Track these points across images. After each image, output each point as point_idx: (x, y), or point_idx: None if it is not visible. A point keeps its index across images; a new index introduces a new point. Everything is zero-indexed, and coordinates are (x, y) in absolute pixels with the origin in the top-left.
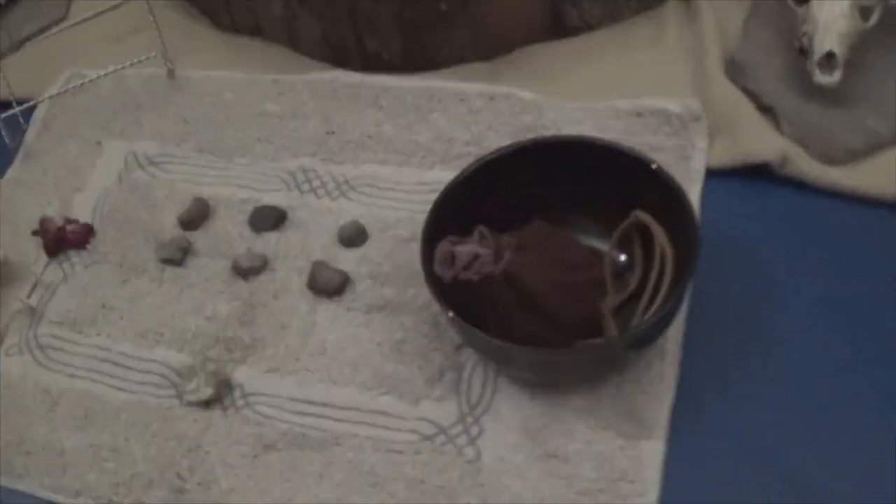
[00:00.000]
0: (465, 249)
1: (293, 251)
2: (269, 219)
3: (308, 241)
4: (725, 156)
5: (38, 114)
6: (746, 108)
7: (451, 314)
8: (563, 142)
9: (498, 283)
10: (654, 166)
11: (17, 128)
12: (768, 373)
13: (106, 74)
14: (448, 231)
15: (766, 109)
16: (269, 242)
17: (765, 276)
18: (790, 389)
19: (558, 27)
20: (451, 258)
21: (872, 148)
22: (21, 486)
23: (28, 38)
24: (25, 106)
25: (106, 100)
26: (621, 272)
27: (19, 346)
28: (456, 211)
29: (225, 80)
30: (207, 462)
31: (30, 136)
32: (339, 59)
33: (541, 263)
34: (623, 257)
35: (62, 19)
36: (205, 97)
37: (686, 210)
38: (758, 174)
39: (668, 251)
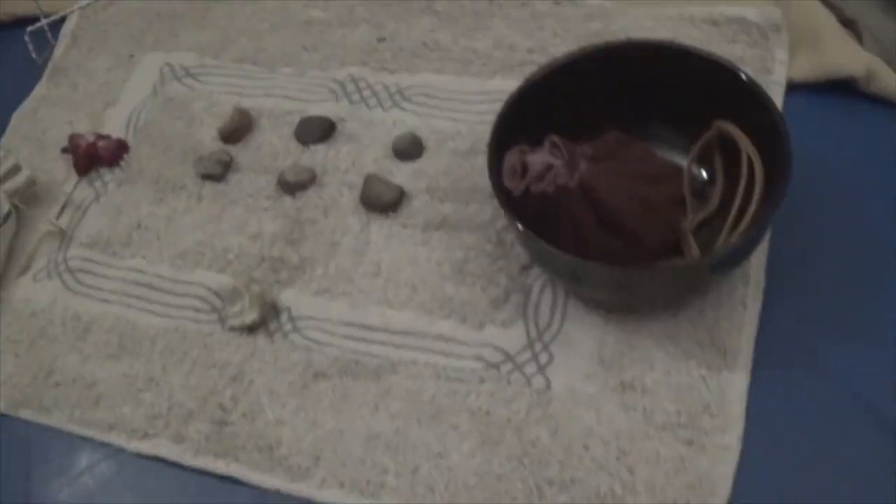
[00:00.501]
0: (538, 159)
1: (343, 164)
2: (316, 130)
3: (359, 153)
4: (808, 69)
5: (67, 28)
6: (828, 20)
7: (521, 227)
8: (636, 46)
9: (573, 195)
10: (743, 76)
11: (45, 43)
12: (856, 303)
13: None
14: (515, 142)
15: (848, 23)
16: (316, 155)
17: (851, 198)
18: (878, 322)
19: None
20: (522, 169)
21: None
22: (50, 421)
23: None
24: (53, 18)
25: (139, 11)
26: (701, 188)
27: (48, 271)
28: (523, 120)
29: None
30: (252, 391)
31: (58, 51)
32: None
33: (618, 176)
34: (703, 172)
35: None
36: (245, 4)
37: (776, 123)
38: (842, 90)
39: (758, 164)
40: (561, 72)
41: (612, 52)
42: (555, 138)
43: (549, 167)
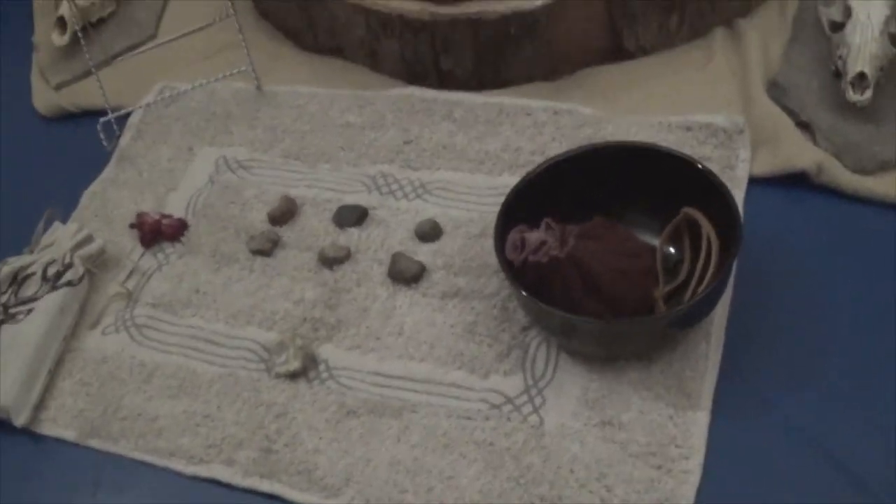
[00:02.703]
0: (534, 236)
1: (374, 244)
2: (352, 216)
3: (388, 235)
4: (766, 165)
5: (132, 121)
6: (786, 123)
7: (522, 292)
8: (619, 147)
9: (563, 265)
10: (700, 166)
11: (112, 133)
12: (805, 359)
13: (197, 87)
14: (516, 222)
15: (803, 125)
16: (352, 236)
17: (803, 274)
18: (823, 375)
19: (617, 51)
20: (522, 243)
21: None
22: (116, 449)
23: (119, 54)
24: (120, 112)
25: (197, 110)
26: (671, 264)
27: (116, 326)
28: (524, 207)
29: (309, 95)
30: (294, 426)
31: (124, 140)
32: (416, 77)
33: (601, 250)
34: (673, 250)
35: (153, 37)
36: (291, 109)
37: (728, 202)
38: (796, 183)
39: (714, 240)
40: (555, 168)
41: (598, 151)
42: (548, 220)
43: (544, 242)
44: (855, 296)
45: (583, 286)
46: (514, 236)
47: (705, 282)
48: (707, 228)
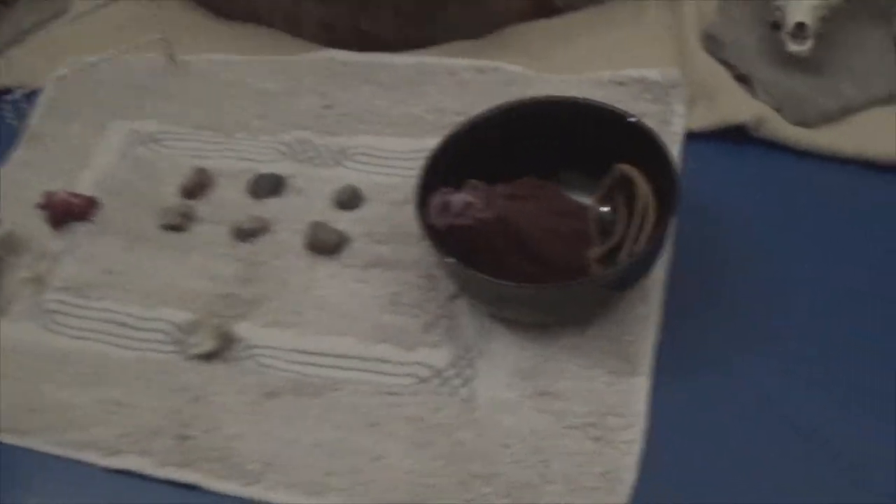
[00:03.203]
0: (459, 197)
1: (292, 214)
2: (268, 185)
3: (306, 204)
4: (703, 119)
5: (42, 98)
6: (723, 76)
7: (448, 259)
8: (546, 102)
9: (491, 226)
10: (631, 119)
11: (22, 111)
12: (749, 319)
13: (108, 59)
14: (439, 184)
15: (742, 79)
16: (268, 207)
17: (745, 231)
18: (771, 336)
19: (545, 7)
20: (445, 207)
21: (845, 112)
22: (26, 443)
23: (30, 31)
24: (29, 90)
25: (108, 84)
26: (606, 225)
27: (25, 313)
28: (448, 169)
29: (224, 63)
30: (211, 410)
31: (34, 119)
32: (337, 41)
33: (531, 210)
34: (608, 210)
35: (64, 12)
36: (205, 78)
37: (663, 157)
38: (735, 137)
39: (650, 198)
40: (479, 126)
41: (524, 107)
42: (473, 181)
43: (469, 204)
44: (799, 252)
45: (513, 248)
46: (436, 199)
47: (641, 241)
48: (642, 185)
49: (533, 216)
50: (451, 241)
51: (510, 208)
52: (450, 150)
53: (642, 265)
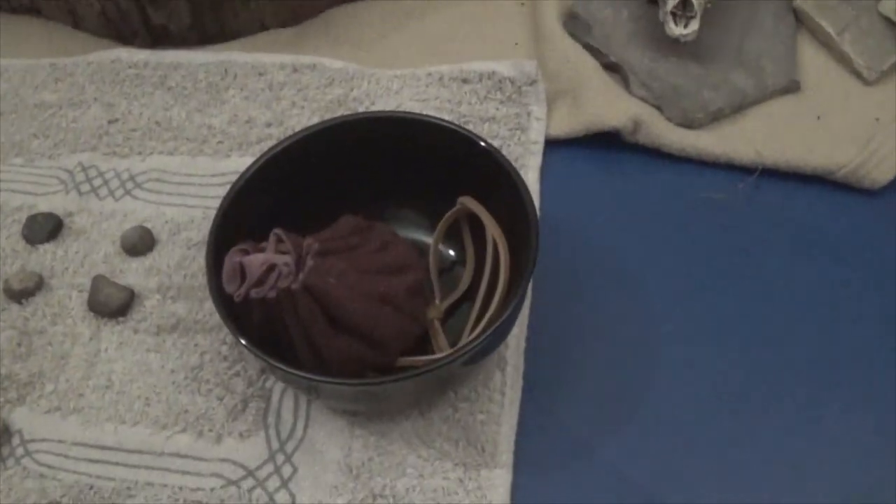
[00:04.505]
0: (257, 260)
1: (72, 265)
2: (44, 228)
3: (89, 251)
4: (567, 124)
5: None
6: (591, 66)
7: (244, 342)
8: (374, 119)
9: (299, 299)
10: (483, 144)
11: None
12: (622, 374)
13: None
14: (243, 235)
15: (613, 68)
16: (44, 256)
17: (617, 258)
18: (649, 403)
19: None
20: (240, 272)
21: (736, 107)
22: None
23: None
24: None
25: None
26: (450, 267)
27: None
28: (251, 209)
29: None
30: None
31: None
32: (124, 35)
33: (350, 271)
34: (451, 252)
35: None
36: None
37: (520, 197)
38: (606, 142)
39: (501, 245)
40: (290, 151)
41: (346, 126)
42: (279, 231)
43: (271, 268)
44: (687, 291)
45: (328, 323)
46: (231, 261)
47: (495, 300)
48: (491, 228)
49: (352, 279)
50: (253, 310)
51: (321, 272)
52: (252, 186)
53: (499, 336)
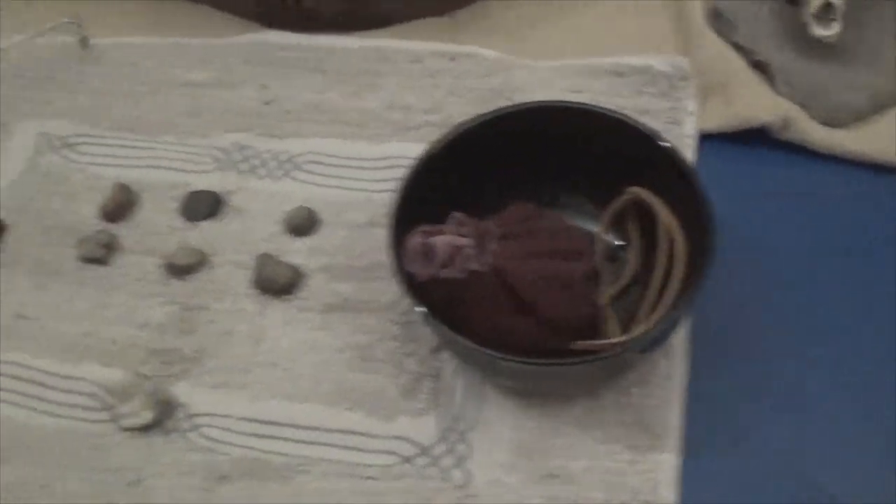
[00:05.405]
0: (444, 241)
1: (234, 243)
2: (203, 205)
3: (250, 230)
4: (719, 119)
5: None
6: (738, 64)
7: (432, 318)
8: (552, 108)
9: (486, 281)
10: (665, 144)
11: None
12: (785, 364)
13: (11, 46)
14: (416, 217)
15: (759, 66)
16: (205, 233)
17: (769, 252)
18: (809, 388)
19: None
20: (427, 252)
21: (879, 107)
22: None
23: None
24: None
25: (11, 74)
26: (615, 256)
27: None
28: (425, 194)
29: (143, 48)
30: (152, 498)
31: None
32: (272, 18)
33: (529, 255)
34: (615, 239)
35: None
36: (122, 67)
37: (700, 196)
38: (755, 139)
39: (678, 236)
40: (461, 141)
41: (518, 115)
42: (460, 215)
43: (458, 249)
44: (838, 276)
45: (508, 304)
46: (415, 243)
47: (671, 289)
48: (666, 218)
49: (532, 263)
50: (435, 289)
51: (505, 255)
52: (424, 174)
53: (673, 325)
